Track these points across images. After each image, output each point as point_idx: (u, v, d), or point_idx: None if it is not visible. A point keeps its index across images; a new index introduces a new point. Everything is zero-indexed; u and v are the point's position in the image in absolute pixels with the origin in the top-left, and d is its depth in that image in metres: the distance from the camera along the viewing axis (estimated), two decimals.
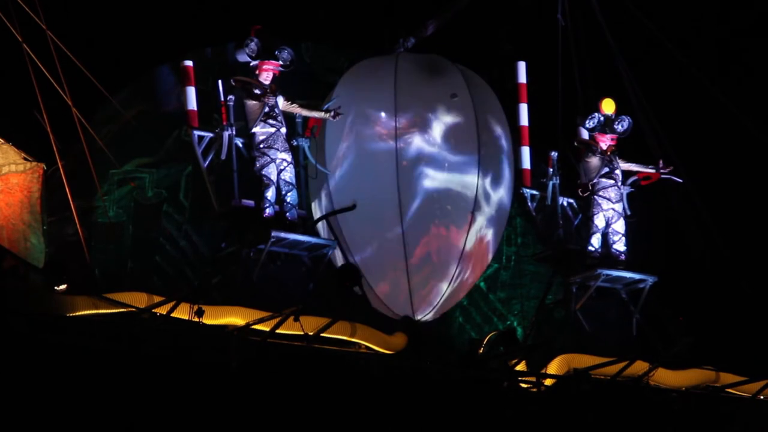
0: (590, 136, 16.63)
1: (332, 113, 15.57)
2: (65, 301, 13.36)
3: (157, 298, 13.78)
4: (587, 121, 16.51)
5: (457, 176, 15.98)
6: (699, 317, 16.50)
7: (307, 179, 15.76)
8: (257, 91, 15.19)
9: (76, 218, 14.62)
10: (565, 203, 16.66)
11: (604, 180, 16.55)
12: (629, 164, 16.73)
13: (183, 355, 13.27)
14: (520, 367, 15.47)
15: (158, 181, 15.90)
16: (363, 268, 15.32)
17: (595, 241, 16.49)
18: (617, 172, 16.62)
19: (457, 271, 15.90)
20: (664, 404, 15.58)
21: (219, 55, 16.03)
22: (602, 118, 16.56)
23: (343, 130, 15.92)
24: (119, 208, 15.72)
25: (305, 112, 15.71)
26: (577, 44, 17.11)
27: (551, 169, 16.58)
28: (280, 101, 15.48)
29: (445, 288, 15.83)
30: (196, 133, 15.28)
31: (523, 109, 16.78)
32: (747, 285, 17.02)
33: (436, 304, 15.87)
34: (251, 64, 15.33)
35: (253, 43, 15.28)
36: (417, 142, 15.94)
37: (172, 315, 13.63)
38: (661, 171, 16.66)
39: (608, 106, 16.62)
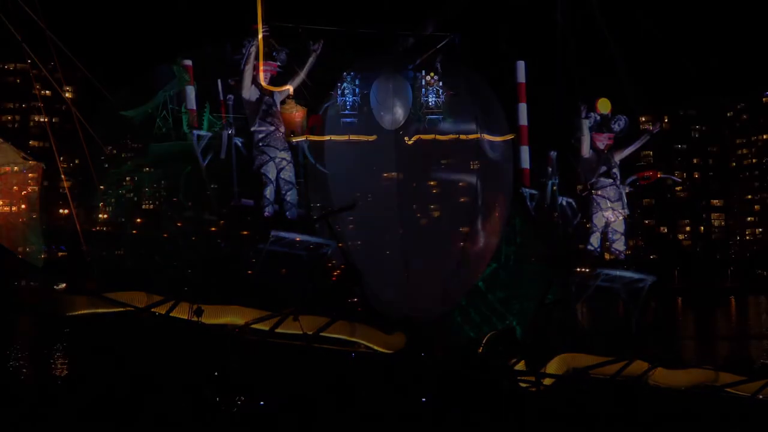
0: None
1: (315, 46, 15.53)
2: (65, 301, 13.38)
3: (156, 298, 13.79)
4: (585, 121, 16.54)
5: (455, 178, 16.01)
6: (699, 317, 16.51)
7: (307, 178, 15.78)
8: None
9: (76, 218, 14.62)
10: (564, 203, 16.68)
11: (602, 179, 16.58)
12: (625, 150, 16.76)
13: (183, 355, 13.28)
14: (520, 366, 15.48)
15: (158, 181, 15.90)
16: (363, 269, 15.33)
17: (595, 240, 16.51)
18: (615, 170, 16.65)
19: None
20: (664, 404, 15.59)
21: (218, 54, 16.04)
22: (599, 118, 16.60)
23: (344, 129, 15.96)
24: (119, 209, 15.73)
25: (302, 74, 15.66)
26: (575, 44, 17.13)
27: (551, 169, 16.62)
28: (278, 97, 15.50)
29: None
30: (196, 132, 15.31)
31: (523, 109, 16.81)
32: (747, 283, 17.05)
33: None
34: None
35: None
36: (417, 142, 15.96)
37: (172, 314, 13.65)
38: (655, 130, 16.73)
39: (604, 106, 16.66)
